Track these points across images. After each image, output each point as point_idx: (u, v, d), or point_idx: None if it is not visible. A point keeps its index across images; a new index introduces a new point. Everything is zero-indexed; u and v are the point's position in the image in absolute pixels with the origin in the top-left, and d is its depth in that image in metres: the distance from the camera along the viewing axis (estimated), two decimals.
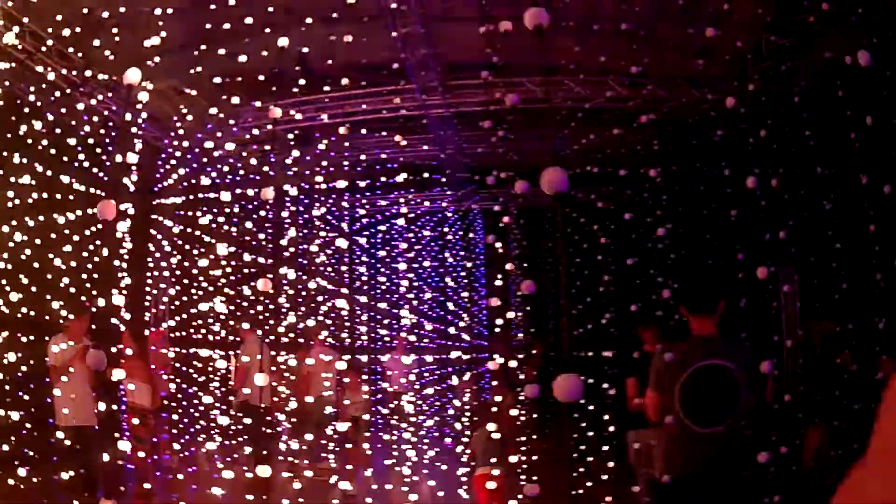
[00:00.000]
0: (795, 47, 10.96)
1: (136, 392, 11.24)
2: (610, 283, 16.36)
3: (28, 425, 10.35)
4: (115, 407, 10.56)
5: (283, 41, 9.37)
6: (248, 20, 11.02)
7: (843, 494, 1.45)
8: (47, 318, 10.64)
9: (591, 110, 14.39)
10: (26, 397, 10.53)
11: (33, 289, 10.98)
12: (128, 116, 12.72)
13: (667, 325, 9.26)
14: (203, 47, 12.45)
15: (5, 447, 9.76)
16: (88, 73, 12.16)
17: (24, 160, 10.05)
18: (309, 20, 11.30)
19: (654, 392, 5.56)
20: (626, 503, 10.16)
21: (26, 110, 10.52)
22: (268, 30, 11.13)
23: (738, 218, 10.51)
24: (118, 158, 11.38)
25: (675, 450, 5.58)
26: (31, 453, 10.22)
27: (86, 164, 12.09)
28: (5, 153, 10.24)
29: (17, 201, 10.71)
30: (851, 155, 8.43)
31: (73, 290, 11.22)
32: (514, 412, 13.54)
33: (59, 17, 10.19)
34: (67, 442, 9.72)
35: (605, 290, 16.39)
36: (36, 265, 11.06)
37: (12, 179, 10.57)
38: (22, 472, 9.65)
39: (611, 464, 11.77)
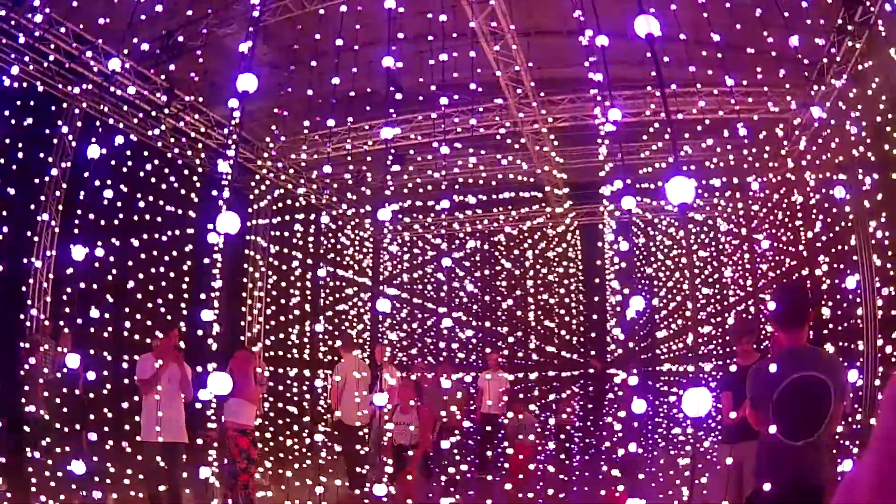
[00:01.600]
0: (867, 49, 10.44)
1: (243, 412, 11.25)
2: (707, 296, 15.90)
3: (111, 442, 10.53)
4: (210, 427, 10.63)
5: (388, 60, 9.01)
6: (339, 41, 11.07)
7: (844, 490, 1.47)
8: (136, 337, 10.84)
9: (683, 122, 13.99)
10: (110, 414, 10.73)
11: (126, 309, 11.21)
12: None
13: (761, 339, 8.94)
14: (292, 68, 12.60)
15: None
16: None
17: (109, 181, 10.23)
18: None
19: (751, 406, 5.53)
20: None
21: (101, 131, 10.72)
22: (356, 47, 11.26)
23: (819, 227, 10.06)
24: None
25: (768, 462, 5.47)
26: (113, 469, 10.38)
27: (175, 184, 12.29)
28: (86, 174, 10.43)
29: (105, 221, 10.94)
30: None
31: (162, 309, 11.39)
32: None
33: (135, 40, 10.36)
34: (158, 458, 9.80)
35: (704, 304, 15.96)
36: (131, 285, 11.28)
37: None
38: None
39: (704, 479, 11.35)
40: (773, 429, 5.26)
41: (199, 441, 10.58)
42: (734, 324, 11.67)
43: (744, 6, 10.56)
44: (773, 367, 5.31)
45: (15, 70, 10.21)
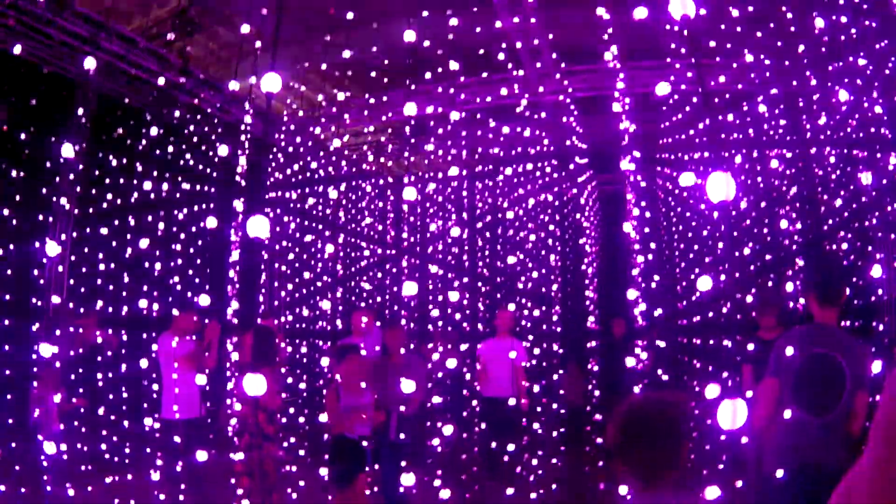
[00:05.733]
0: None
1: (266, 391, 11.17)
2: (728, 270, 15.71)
3: (126, 422, 10.54)
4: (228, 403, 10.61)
5: (409, 35, 8.74)
6: (350, 14, 10.94)
7: (841, 491, 1.52)
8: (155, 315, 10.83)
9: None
10: (125, 395, 10.71)
11: (144, 287, 11.17)
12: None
13: (786, 312, 8.92)
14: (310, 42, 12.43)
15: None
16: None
17: (124, 160, 10.18)
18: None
19: (774, 378, 5.52)
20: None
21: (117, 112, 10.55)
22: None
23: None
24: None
25: (786, 440, 5.47)
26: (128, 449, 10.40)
27: (191, 162, 12.20)
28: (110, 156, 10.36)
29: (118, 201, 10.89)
30: None
31: (179, 287, 11.36)
32: None
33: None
34: (177, 438, 9.79)
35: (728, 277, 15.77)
36: (147, 265, 11.24)
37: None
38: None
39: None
40: (787, 412, 5.33)
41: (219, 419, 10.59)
42: (757, 297, 11.63)
43: None
44: (787, 342, 5.39)
45: (17, 49, 9.98)
